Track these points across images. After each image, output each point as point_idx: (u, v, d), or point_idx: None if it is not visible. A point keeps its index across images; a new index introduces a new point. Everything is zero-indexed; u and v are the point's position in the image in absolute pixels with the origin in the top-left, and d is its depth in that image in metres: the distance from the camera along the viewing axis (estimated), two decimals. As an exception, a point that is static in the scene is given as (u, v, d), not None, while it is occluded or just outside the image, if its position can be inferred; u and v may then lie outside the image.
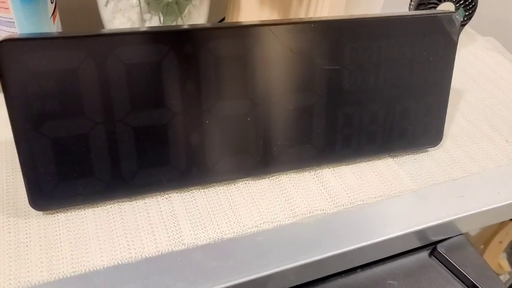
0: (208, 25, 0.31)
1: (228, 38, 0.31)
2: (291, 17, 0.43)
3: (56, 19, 0.40)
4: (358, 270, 0.35)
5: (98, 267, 0.28)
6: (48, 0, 0.38)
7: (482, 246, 0.85)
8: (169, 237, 0.30)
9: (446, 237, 0.36)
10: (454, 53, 0.36)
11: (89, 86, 0.29)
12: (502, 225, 0.70)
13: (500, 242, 0.75)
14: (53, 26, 0.40)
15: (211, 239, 0.31)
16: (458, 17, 0.35)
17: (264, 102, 0.33)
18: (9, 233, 0.30)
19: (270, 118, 0.33)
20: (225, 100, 0.32)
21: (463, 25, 0.51)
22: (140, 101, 0.30)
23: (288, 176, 0.36)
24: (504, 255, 0.76)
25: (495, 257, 0.82)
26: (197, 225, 0.31)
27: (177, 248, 0.30)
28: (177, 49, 0.30)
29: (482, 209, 0.35)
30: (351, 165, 0.37)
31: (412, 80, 0.36)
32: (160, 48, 0.29)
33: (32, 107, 0.28)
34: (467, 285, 0.35)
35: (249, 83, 0.32)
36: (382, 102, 0.36)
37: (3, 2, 0.36)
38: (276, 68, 0.32)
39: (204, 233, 0.31)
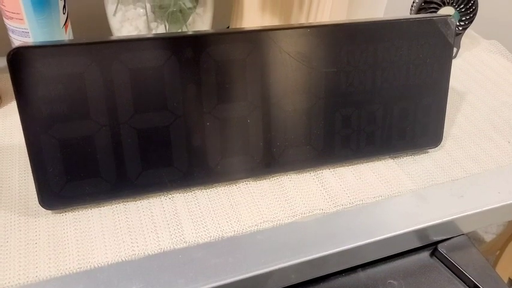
0: (208, 31, 0.33)
1: (226, 43, 0.32)
2: (291, 23, 0.44)
3: (68, 29, 0.42)
4: (359, 269, 0.35)
5: (103, 264, 0.30)
6: (61, 11, 0.40)
7: (498, 252, 0.84)
8: (171, 235, 0.31)
9: (447, 237, 0.36)
10: (451, 55, 0.37)
11: (95, 90, 0.30)
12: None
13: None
14: (64, 35, 0.42)
15: (212, 238, 0.32)
16: (454, 20, 0.36)
17: (263, 104, 0.34)
18: (20, 230, 0.31)
19: (269, 120, 0.34)
20: (225, 103, 0.33)
21: (464, 29, 0.51)
22: (144, 104, 0.31)
23: (288, 176, 0.37)
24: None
25: (510, 263, 0.81)
26: (198, 224, 0.32)
27: (178, 246, 0.31)
28: (178, 54, 0.31)
29: (483, 209, 0.35)
30: (350, 166, 0.38)
31: (409, 82, 0.37)
32: (162, 54, 0.31)
33: (42, 109, 0.30)
34: (468, 286, 0.35)
35: (249, 86, 0.33)
36: (380, 104, 0.37)
37: (18, 14, 0.38)
38: (275, 71, 0.33)
39: (205, 231, 0.32)
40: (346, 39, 0.34)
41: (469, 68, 0.53)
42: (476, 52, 0.56)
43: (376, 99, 0.36)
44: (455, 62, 0.54)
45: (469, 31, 0.59)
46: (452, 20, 0.36)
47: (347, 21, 0.35)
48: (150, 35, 0.32)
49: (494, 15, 0.71)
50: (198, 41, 0.31)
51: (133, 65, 0.30)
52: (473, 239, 1.04)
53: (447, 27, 0.36)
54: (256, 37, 0.32)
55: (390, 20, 0.35)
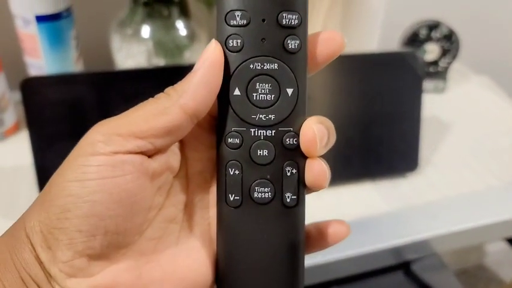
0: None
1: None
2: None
3: (80, 63, 0.48)
4: (334, 286, 0.37)
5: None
6: (73, 48, 0.46)
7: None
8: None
9: (419, 256, 0.38)
10: (421, 85, 0.40)
11: (92, 112, 0.35)
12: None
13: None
14: (76, 70, 0.47)
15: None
16: (420, 55, 0.39)
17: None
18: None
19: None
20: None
21: (449, 63, 0.54)
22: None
23: (268, 196, 0.39)
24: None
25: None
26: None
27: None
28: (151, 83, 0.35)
29: (452, 229, 0.37)
30: (330, 188, 0.41)
31: (383, 110, 0.40)
32: (141, 83, 0.35)
33: (47, 129, 0.34)
34: (441, 305, 0.36)
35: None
36: (355, 130, 0.39)
37: (35, 51, 0.44)
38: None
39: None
40: (323, 70, 0.38)
41: (457, 101, 0.56)
42: (466, 86, 0.59)
43: (352, 125, 0.39)
44: (444, 96, 0.57)
45: (461, 67, 0.62)
46: (419, 54, 0.39)
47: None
48: (134, 68, 0.36)
49: (489, 51, 0.73)
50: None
51: (124, 91, 0.35)
52: (493, 280, 1.01)
53: (415, 60, 0.39)
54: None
55: (363, 53, 0.39)
